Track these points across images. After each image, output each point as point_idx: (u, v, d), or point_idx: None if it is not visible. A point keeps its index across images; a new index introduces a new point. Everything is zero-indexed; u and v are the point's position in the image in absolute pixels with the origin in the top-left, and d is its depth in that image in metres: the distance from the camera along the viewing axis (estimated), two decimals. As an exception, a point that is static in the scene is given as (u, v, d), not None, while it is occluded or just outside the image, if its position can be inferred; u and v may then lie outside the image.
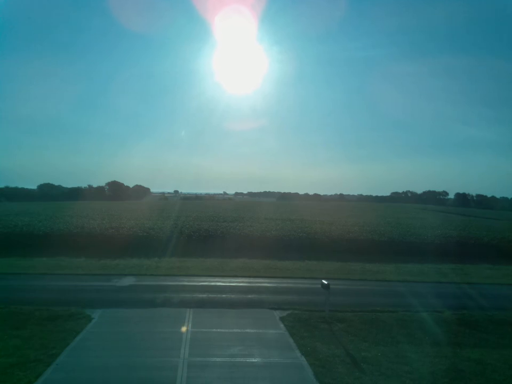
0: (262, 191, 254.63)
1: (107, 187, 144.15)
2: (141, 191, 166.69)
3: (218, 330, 13.75)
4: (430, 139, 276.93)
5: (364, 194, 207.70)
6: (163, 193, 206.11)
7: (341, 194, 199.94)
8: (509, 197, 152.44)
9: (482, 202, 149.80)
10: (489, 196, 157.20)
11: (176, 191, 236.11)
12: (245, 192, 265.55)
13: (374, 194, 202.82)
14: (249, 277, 22.75)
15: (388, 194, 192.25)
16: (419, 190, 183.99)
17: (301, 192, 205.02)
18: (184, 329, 13.49)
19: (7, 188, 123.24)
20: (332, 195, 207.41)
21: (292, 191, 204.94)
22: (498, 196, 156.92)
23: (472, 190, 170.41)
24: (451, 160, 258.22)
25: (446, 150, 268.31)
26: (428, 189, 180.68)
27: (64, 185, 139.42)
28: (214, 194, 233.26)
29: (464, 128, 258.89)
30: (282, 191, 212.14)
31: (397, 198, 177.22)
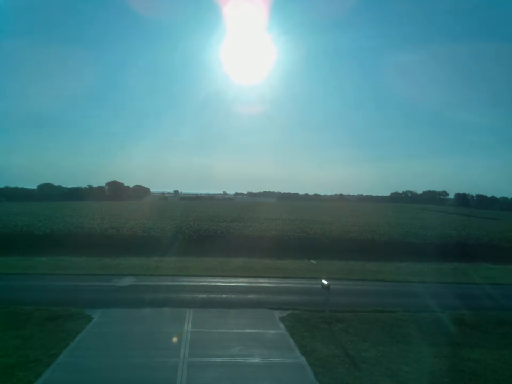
0: (262, 191, 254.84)
1: (107, 187, 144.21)
2: (141, 191, 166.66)
3: (218, 330, 13.75)
4: (430, 139, 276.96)
5: (364, 194, 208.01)
6: (163, 193, 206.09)
7: (341, 195, 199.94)
8: (509, 197, 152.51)
9: (482, 202, 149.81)
10: (489, 196, 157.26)
11: (176, 191, 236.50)
12: (245, 192, 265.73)
13: (374, 194, 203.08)
14: (249, 277, 22.73)
15: (388, 194, 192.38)
16: (419, 190, 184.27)
17: (301, 192, 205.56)
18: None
19: (7, 188, 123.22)
20: (331, 195, 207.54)
21: (292, 191, 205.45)
22: (498, 196, 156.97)
23: (472, 190, 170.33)
24: (451, 160, 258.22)
25: (446, 150, 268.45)
26: (427, 189, 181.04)
27: (64, 185, 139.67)
28: (214, 194, 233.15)
29: (464, 127, 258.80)
30: (282, 191, 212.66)
31: (397, 198, 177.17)
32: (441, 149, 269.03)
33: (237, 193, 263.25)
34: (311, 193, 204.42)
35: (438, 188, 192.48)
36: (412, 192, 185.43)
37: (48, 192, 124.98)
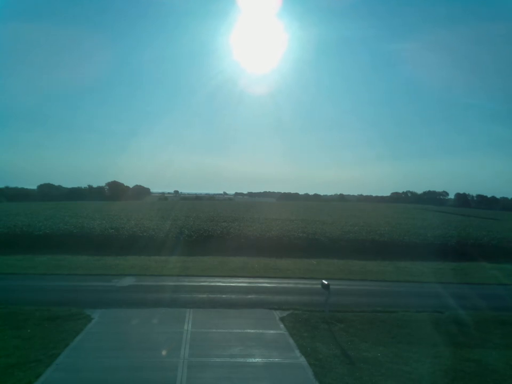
0: (262, 191, 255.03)
1: (107, 187, 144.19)
2: (141, 191, 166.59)
3: (218, 330, 13.73)
4: (430, 139, 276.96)
5: (364, 194, 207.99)
6: (163, 193, 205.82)
7: (341, 195, 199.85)
8: (509, 197, 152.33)
9: (483, 202, 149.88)
10: (489, 196, 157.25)
11: (176, 191, 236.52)
12: (245, 192, 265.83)
13: (374, 194, 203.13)
14: (249, 277, 22.73)
15: (388, 194, 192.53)
16: (419, 190, 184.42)
17: (301, 192, 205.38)
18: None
19: (7, 188, 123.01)
20: (332, 195, 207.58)
21: (292, 191, 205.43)
22: (498, 196, 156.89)
23: (472, 190, 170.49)
24: (451, 160, 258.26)
25: (446, 150, 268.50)
26: (428, 189, 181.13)
27: (64, 185, 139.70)
28: (214, 194, 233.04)
29: (464, 128, 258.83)
30: (282, 191, 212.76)
31: (397, 198, 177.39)
32: (441, 148, 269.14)
33: (237, 193, 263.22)
34: (311, 193, 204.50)
35: (438, 188, 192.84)
36: (411, 192, 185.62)
37: (48, 192, 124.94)
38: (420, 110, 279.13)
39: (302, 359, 11.51)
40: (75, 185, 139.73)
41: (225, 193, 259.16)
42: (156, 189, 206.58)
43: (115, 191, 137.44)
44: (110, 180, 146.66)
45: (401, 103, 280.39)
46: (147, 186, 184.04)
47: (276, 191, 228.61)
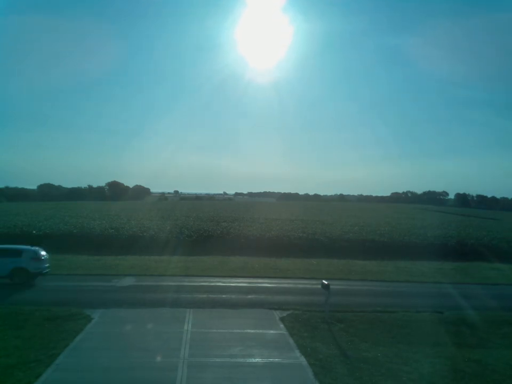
0: (262, 191, 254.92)
1: (107, 187, 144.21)
2: (141, 191, 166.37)
3: (218, 330, 13.72)
4: (430, 139, 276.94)
5: (364, 194, 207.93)
6: (163, 193, 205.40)
7: (341, 195, 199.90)
8: (509, 197, 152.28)
9: (483, 202, 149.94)
10: (489, 196, 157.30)
11: (176, 191, 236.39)
12: (245, 192, 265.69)
13: (374, 194, 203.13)
14: (249, 277, 22.73)
15: (388, 194, 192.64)
16: (419, 190, 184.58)
17: (301, 192, 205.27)
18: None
19: (7, 188, 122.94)
20: (332, 195, 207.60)
21: (292, 191, 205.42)
22: (498, 196, 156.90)
23: (472, 191, 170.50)
24: (451, 161, 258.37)
25: (446, 150, 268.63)
26: (427, 189, 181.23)
27: (64, 185, 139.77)
28: (214, 194, 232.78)
29: (464, 128, 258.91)
30: (282, 191, 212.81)
31: (397, 198, 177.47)
32: (441, 148, 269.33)
33: (237, 193, 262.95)
34: (311, 193, 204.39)
35: (438, 188, 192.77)
36: (411, 192, 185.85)
37: (48, 192, 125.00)
38: (420, 110, 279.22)
39: (302, 359, 11.49)
40: (75, 185, 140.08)
41: (225, 193, 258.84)
42: (155, 189, 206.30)
43: (115, 191, 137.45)
44: (110, 180, 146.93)
45: (401, 102, 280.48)
46: (147, 186, 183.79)
47: (276, 191, 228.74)
